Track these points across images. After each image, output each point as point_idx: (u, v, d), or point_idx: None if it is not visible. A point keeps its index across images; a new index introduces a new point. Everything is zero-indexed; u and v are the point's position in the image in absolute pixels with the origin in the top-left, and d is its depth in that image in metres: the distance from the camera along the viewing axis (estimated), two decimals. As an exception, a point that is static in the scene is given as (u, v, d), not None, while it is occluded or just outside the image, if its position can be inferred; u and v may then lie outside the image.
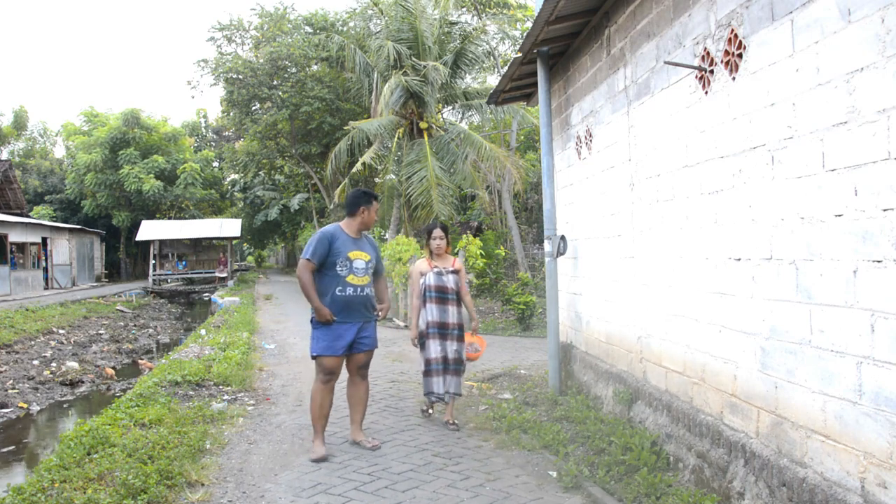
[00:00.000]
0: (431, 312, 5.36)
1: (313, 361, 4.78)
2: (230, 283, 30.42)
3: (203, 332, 12.95)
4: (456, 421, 5.40)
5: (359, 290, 4.69)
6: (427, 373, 5.39)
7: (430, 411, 5.74)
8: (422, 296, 5.44)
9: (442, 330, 5.37)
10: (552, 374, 6.16)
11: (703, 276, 3.70)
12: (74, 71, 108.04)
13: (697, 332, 3.79)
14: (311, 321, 4.74)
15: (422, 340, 5.42)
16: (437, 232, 5.49)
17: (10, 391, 9.87)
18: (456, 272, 5.48)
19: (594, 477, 3.96)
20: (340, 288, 4.62)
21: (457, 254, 12.65)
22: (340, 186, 19.72)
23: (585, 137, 5.76)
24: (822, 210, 2.65)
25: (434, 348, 5.33)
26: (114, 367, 12.30)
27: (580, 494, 3.85)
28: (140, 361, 12.58)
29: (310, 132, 28.26)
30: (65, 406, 9.62)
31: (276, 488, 4.02)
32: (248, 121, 28.76)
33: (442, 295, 5.39)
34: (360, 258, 4.72)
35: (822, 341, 2.69)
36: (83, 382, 10.93)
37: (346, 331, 4.64)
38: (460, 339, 5.44)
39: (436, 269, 5.43)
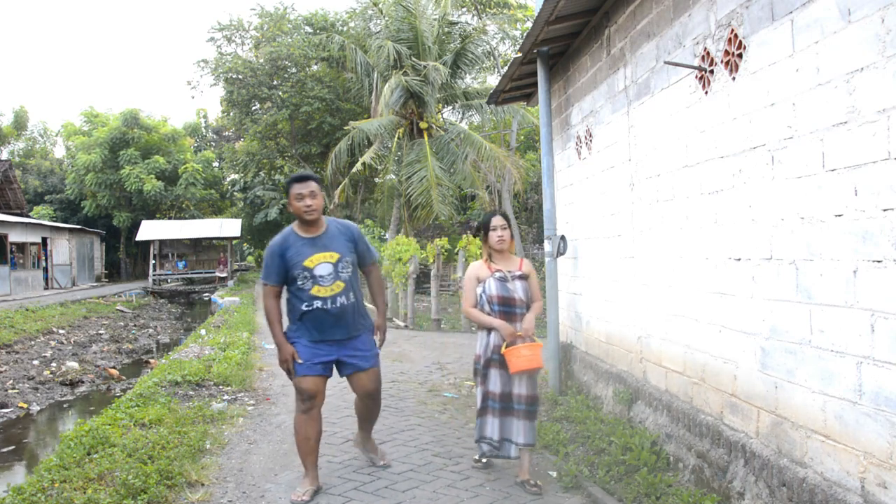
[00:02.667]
0: (495, 333, 3.99)
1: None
2: (230, 283, 30.43)
3: (203, 332, 12.95)
4: (538, 482, 3.95)
5: (329, 302, 3.77)
6: (482, 411, 4.02)
7: (483, 460, 4.31)
8: (480, 309, 4.07)
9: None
10: (552, 374, 6.16)
11: (703, 276, 3.70)
12: (74, 71, 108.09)
13: (697, 332, 3.79)
14: (285, 335, 3.93)
15: (481, 368, 4.05)
16: (498, 220, 4.11)
17: (10, 391, 9.87)
18: (525, 277, 4.09)
19: (594, 477, 3.96)
20: (307, 304, 3.78)
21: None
22: (340, 186, 19.73)
23: (585, 137, 5.76)
24: (822, 210, 2.65)
25: (496, 380, 3.96)
26: (114, 367, 12.29)
27: (580, 494, 3.86)
28: (150, 361, 12.57)
29: (310, 132, 28.28)
30: (65, 406, 9.62)
31: (276, 488, 4.02)
32: (248, 121, 28.78)
33: (508, 309, 3.99)
34: (324, 261, 3.79)
35: (822, 341, 2.69)
36: (83, 382, 10.93)
37: (321, 349, 3.85)
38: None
39: (498, 274, 4.03)
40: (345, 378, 4.08)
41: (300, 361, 3.80)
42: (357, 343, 3.95)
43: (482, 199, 19.67)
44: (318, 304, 3.77)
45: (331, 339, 3.86)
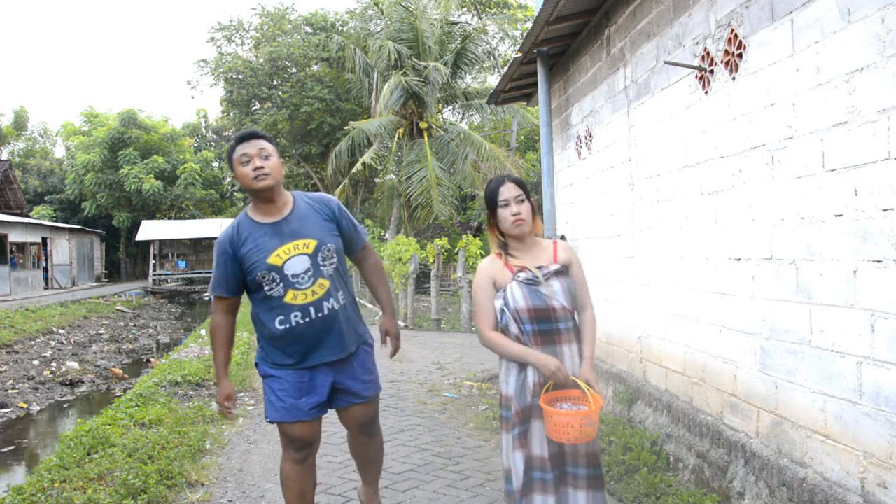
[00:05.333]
0: (528, 365, 2.61)
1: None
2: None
3: (203, 331, 12.96)
4: None
5: (312, 311, 2.70)
6: (525, 489, 2.59)
7: None
8: (504, 331, 2.68)
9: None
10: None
11: (703, 276, 3.70)
12: (74, 71, 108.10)
13: (697, 332, 3.79)
14: (256, 364, 2.94)
15: (513, 419, 2.63)
16: (509, 189, 2.67)
17: (10, 391, 9.88)
18: (565, 271, 2.69)
19: (594, 477, 3.95)
20: (281, 318, 2.71)
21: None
22: (340, 186, 19.75)
23: (585, 137, 5.77)
24: (822, 210, 2.65)
25: (541, 439, 2.59)
26: (114, 367, 12.29)
27: (580, 494, 3.85)
28: (151, 361, 12.57)
29: (310, 132, 28.28)
30: (65, 406, 9.62)
31: (276, 488, 4.02)
32: (248, 121, 28.79)
33: (546, 326, 2.61)
34: (297, 253, 2.70)
35: (822, 341, 2.69)
36: (83, 382, 10.94)
37: (312, 379, 2.78)
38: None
39: (523, 275, 2.64)
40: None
41: (234, 413, 2.81)
42: (355, 364, 2.88)
43: (482, 199, 19.67)
44: (297, 316, 2.69)
45: (321, 363, 2.78)
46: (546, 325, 2.62)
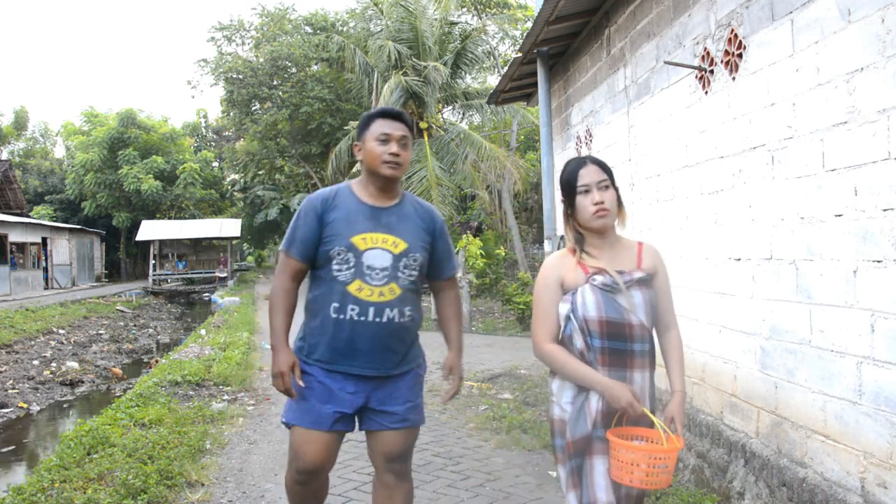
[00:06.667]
0: (594, 390, 2.16)
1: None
2: (230, 283, 30.43)
3: (203, 332, 12.96)
4: None
5: (372, 311, 2.41)
6: None
7: None
8: (565, 343, 2.23)
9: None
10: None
11: (703, 276, 3.70)
12: (75, 71, 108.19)
13: (697, 332, 3.79)
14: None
15: (566, 450, 2.22)
16: (591, 172, 2.26)
17: (10, 391, 9.87)
18: (649, 280, 2.25)
19: (594, 477, 3.94)
20: (336, 304, 2.42)
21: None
22: (340, 186, 19.71)
23: (585, 137, 5.76)
24: (822, 210, 2.65)
25: (604, 479, 2.15)
26: (114, 367, 12.29)
27: (580, 494, 3.85)
28: (153, 361, 12.57)
29: (310, 132, 28.27)
30: (65, 406, 9.62)
31: (276, 488, 4.01)
32: (248, 121, 28.79)
33: (620, 345, 2.16)
34: (382, 247, 2.44)
35: (822, 341, 2.69)
36: (83, 382, 10.94)
37: (342, 388, 2.45)
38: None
39: (600, 279, 2.19)
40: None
41: (301, 384, 2.45)
42: (400, 386, 2.54)
43: (482, 199, 19.67)
44: (353, 310, 2.40)
45: (360, 374, 2.45)
46: (619, 344, 2.15)
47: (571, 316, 2.19)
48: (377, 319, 2.41)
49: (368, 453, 2.62)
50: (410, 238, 2.50)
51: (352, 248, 2.42)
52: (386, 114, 2.51)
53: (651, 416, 2.10)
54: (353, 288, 2.41)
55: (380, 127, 2.47)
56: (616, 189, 2.28)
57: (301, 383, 2.46)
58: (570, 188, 2.28)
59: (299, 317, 2.60)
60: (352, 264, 2.42)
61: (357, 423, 2.56)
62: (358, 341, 2.42)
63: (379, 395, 2.50)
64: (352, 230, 2.43)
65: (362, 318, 2.41)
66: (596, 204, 2.20)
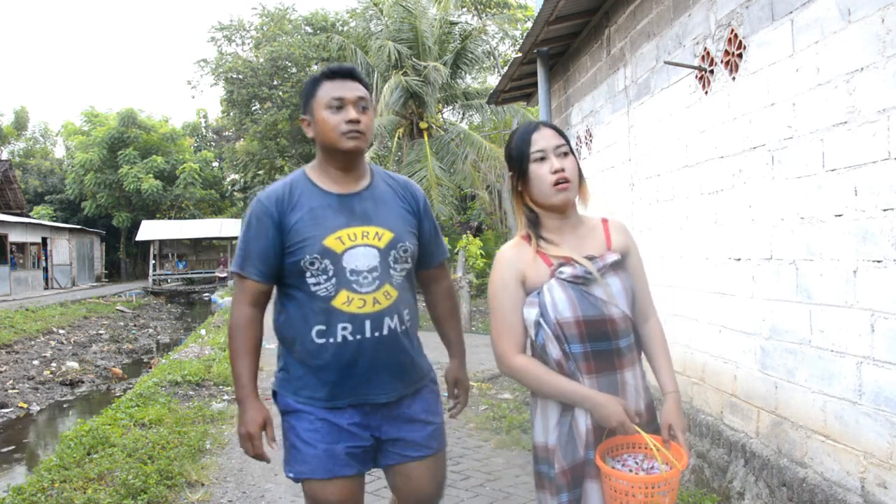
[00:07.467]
0: (576, 406, 1.77)
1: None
2: (230, 283, 30.43)
3: (203, 332, 12.97)
4: None
5: (368, 326, 1.93)
6: None
7: None
8: (538, 354, 1.82)
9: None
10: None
11: (703, 275, 3.70)
12: (75, 71, 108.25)
13: (697, 332, 3.79)
14: (274, 394, 2.08)
15: (557, 478, 1.77)
16: (545, 137, 1.81)
17: (10, 391, 9.88)
18: (622, 262, 1.90)
19: (594, 477, 3.94)
20: (321, 327, 1.92)
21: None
22: (340, 186, 19.72)
23: (585, 137, 5.77)
24: (822, 210, 2.65)
25: None
26: (114, 367, 12.30)
27: (580, 494, 3.85)
28: (154, 361, 12.57)
29: (310, 132, 28.30)
30: (65, 406, 9.62)
31: (276, 488, 4.02)
32: (248, 121, 28.82)
33: (603, 345, 1.77)
34: (363, 243, 1.94)
35: (822, 341, 2.69)
36: (83, 382, 10.94)
37: (350, 420, 1.98)
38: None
39: (568, 270, 1.78)
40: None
41: (273, 448, 2.01)
42: (415, 407, 2.08)
43: (482, 199, 19.68)
44: (345, 329, 1.91)
45: (366, 402, 1.98)
46: (603, 344, 1.77)
47: (541, 321, 1.76)
48: (376, 334, 1.93)
49: (393, 491, 2.13)
50: (394, 225, 2.00)
51: (327, 254, 1.90)
52: (335, 73, 1.97)
53: (645, 435, 1.71)
54: (339, 302, 1.90)
55: (329, 91, 1.94)
56: (576, 157, 1.85)
57: (273, 447, 1.98)
58: (520, 156, 1.82)
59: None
60: (331, 273, 1.90)
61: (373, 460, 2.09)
62: (358, 366, 1.93)
63: (393, 422, 2.03)
64: (322, 230, 1.91)
65: (358, 337, 1.91)
66: (555, 172, 1.77)
